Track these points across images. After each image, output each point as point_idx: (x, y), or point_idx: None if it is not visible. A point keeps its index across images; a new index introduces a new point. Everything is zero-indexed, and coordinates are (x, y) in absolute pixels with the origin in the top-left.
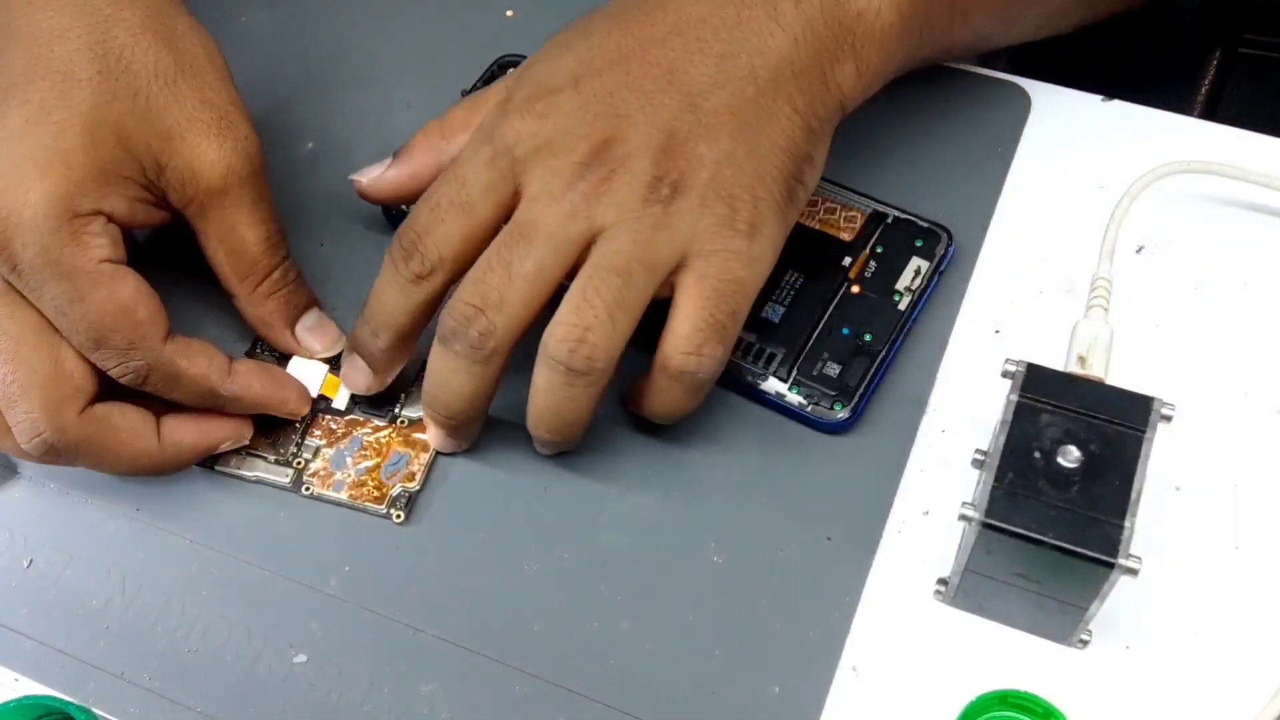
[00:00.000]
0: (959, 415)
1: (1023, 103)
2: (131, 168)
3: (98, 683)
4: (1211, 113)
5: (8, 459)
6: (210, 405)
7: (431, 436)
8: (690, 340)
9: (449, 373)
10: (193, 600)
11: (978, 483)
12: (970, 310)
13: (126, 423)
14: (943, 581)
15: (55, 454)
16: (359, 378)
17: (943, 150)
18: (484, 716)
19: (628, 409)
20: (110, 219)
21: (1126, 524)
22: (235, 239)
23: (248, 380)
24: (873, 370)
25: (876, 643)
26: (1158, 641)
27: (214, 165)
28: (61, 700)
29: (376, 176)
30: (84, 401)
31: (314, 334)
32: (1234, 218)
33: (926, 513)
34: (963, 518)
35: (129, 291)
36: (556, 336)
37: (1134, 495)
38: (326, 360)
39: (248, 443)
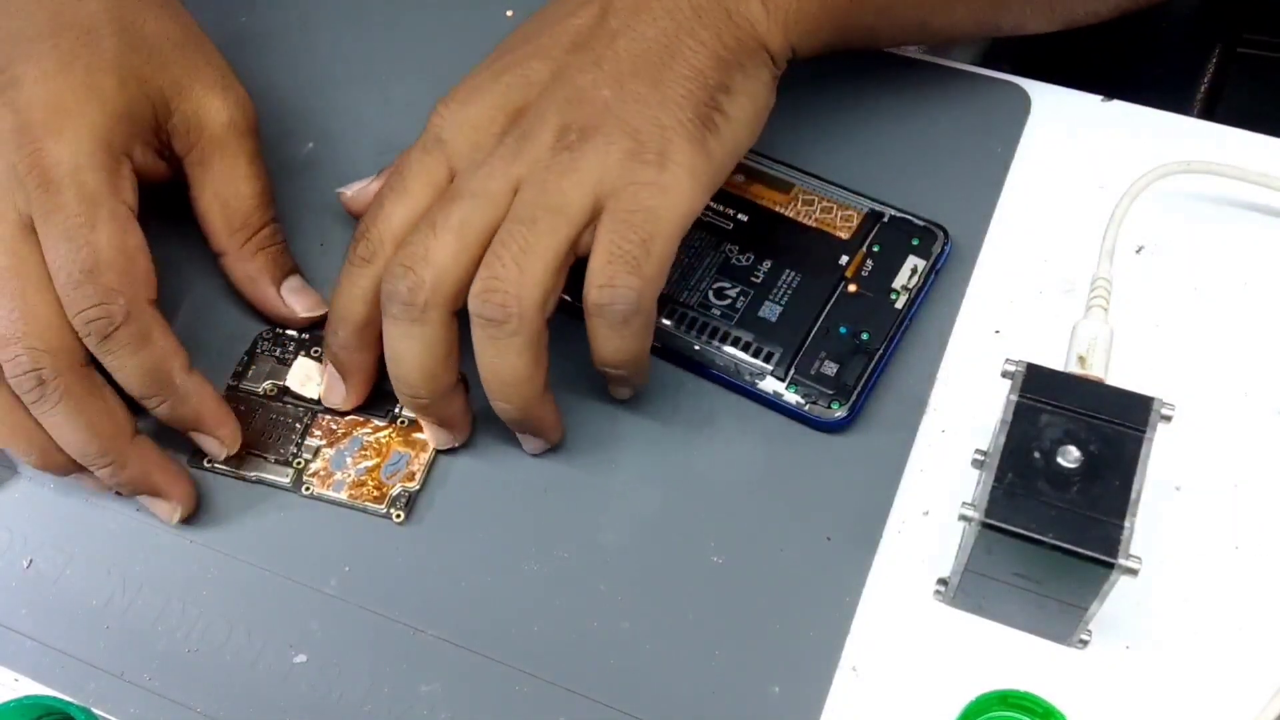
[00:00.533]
0: (959, 415)
1: (1022, 103)
2: (147, 112)
3: (98, 683)
4: (1211, 113)
5: (8, 458)
6: (156, 393)
7: (426, 432)
8: (602, 273)
9: (395, 340)
10: (193, 600)
11: (978, 483)
12: (970, 310)
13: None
14: (943, 581)
15: (42, 396)
16: (334, 388)
17: (943, 150)
18: (484, 717)
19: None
20: (133, 167)
21: (1126, 524)
22: (230, 191)
23: (201, 385)
24: (870, 369)
25: (876, 643)
26: (1158, 641)
27: (218, 115)
28: (61, 700)
29: (359, 189)
30: (81, 358)
31: (297, 295)
32: (1234, 218)
33: (926, 513)
34: (963, 518)
35: (136, 242)
36: (471, 292)
37: (1134, 495)
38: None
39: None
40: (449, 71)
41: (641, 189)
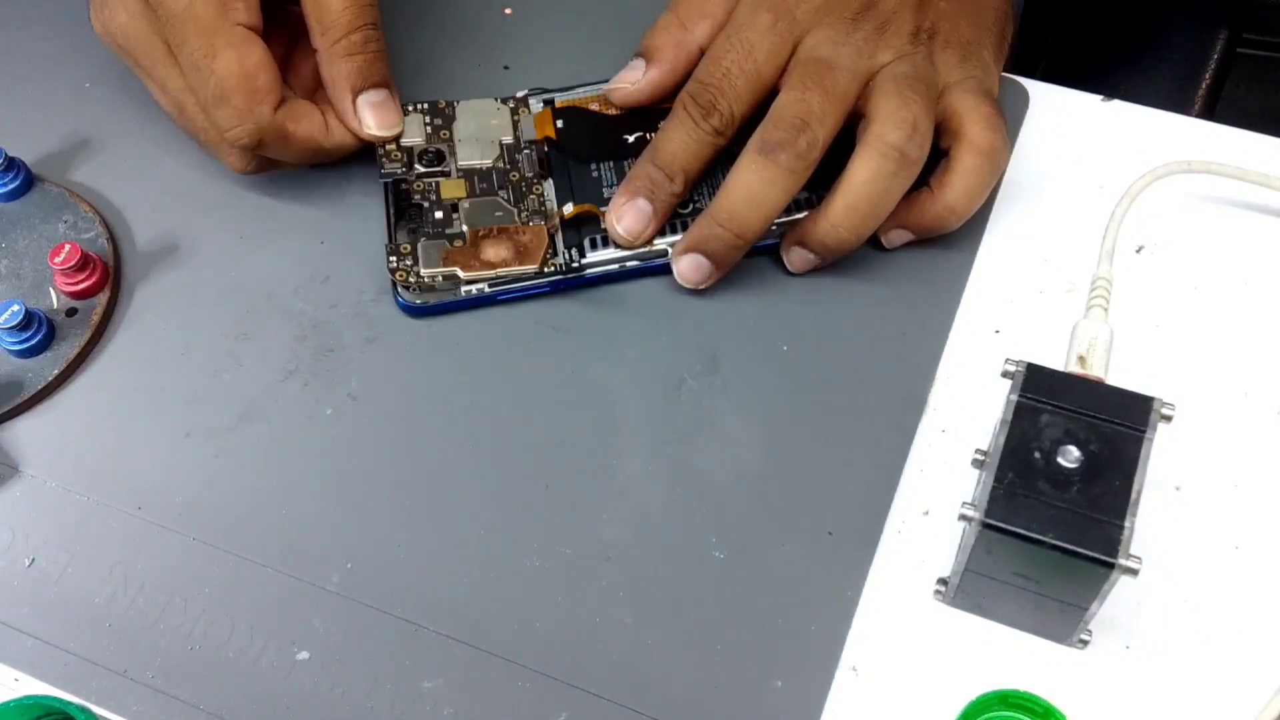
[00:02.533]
0: (959, 415)
1: (1021, 102)
2: None
3: (100, 681)
4: (1211, 113)
5: (8, 457)
6: (315, 160)
7: (692, 268)
8: (988, 122)
9: (766, 184)
10: (195, 598)
11: (978, 483)
12: (970, 310)
13: (304, 114)
14: (943, 581)
15: (261, 146)
16: (639, 220)
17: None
18: (487, 712)
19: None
20: None
21: (1126, 524)
22: None
23: (342, 131)
24: None
25: (876, 642)
26: (1158, 641)
27: None
28: (61, 700)
29: (636, 82)
30: (275, 99)
31: (375, 109)
32: (1234, 218)
33: (926, 513)
34: (963, 518)
35: (254, 58)
36: (891, 124)
37: (1134, 495)
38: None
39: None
40: (448, 71)
41: (978, 81)
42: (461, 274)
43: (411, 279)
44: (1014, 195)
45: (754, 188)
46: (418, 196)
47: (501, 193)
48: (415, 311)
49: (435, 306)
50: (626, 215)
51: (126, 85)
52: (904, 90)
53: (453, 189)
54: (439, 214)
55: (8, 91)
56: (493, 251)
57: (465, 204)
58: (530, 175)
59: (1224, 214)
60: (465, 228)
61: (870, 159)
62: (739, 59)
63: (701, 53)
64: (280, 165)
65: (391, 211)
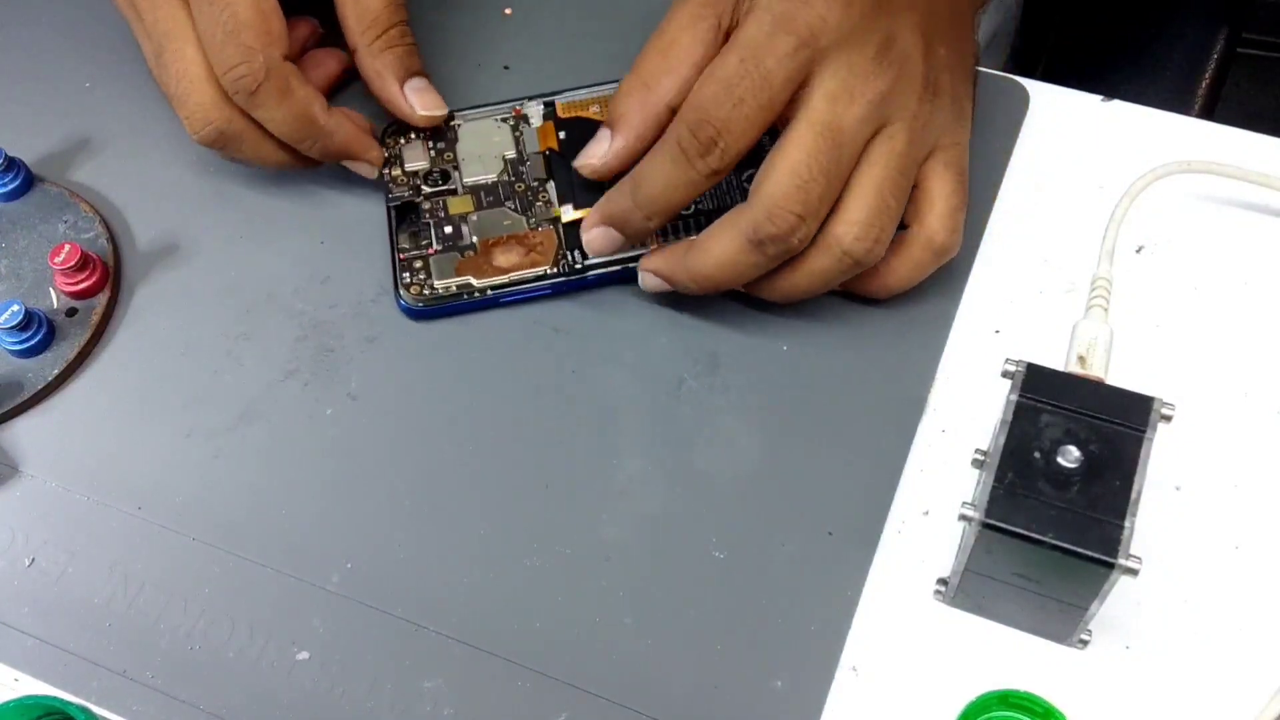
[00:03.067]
0: (959, 415)
1: (1021, 102)
2: None
3: (100, 681)
4: (1211, 113)
5: (8, 457)
6: (305, 137)
7: (601, 238)
8: (952, 218)
9: (745, 268)
10: (195, 598)
11: (978, 483)
12: (970, 310)
13: (308, 87)
14: (943, 581)
15: (253, 94)
16: (608, 245)
17: None
18: (486, 712)
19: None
20: None
21: (1126, 524)
22: None
23: (342, 120)
24: None
25: (876, 642)
26: (1158, 641)
27: None
28: (61, 700)
29: (605, 153)
30: (284, 49)
31: (419, 94)
32: (1234, 218)
33: (926, 513)
34: (963, 518)
35: (270, 4)
36: (855, 235)
37: (1134, 495)
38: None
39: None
40: (449, 71)
41: (961, 147)
42: (475, 282)
43: (425, 291)
44: (1014, 195)
45: (735, 269)
46: (426, 216)
47: (508, 203)
48: (416, 314)
49: (436, 309)
50: (597, 240)
51: (126, 85)
52: (885, 194)
53: (460, 205)
54: (448, 229)
55: (8, 91)
56: (504, 258)
57: (473, 217)
58: (535, 184)
59: (1224, 214)
60: (475, 238)
61: (823, 257)
62: (754, 88)
63: (672, 112)
64: (239, 153)
65: (394, 228)
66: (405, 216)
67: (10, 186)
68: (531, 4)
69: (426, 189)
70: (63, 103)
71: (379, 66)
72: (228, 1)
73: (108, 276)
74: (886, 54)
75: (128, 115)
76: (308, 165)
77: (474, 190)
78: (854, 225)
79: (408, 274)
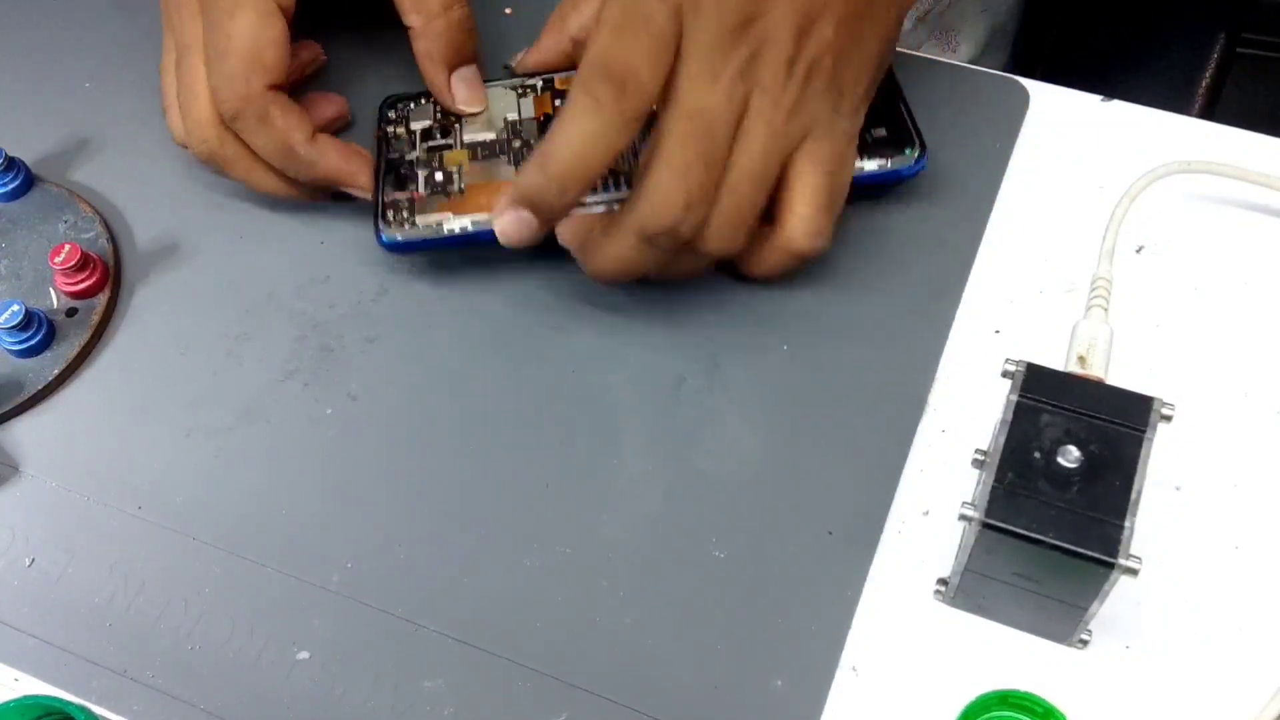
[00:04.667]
0: (959, 415)
1: (1021, 102)
2: None
3: (100, 681)
4: (1211, 113)
5: (8, 457)
6: (286, 164)
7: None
8: (814, 221)
9: (643, 263)
10: (195, 598)
11: (978, 483)
12: (970, 310)
13: (293, 111)
14: (943, 581)
15: (234, 119)
16: (520, 231)
17: (941, 149)
18: (487, 712)
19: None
20: None
21: (1126, 524)
22: None
23: (325, 148)
24: (906, 110)
25: (876, 642)
26: (1158, 641)
27: None
28: (61, 700)
29: (528, 52)
30: (274, 79)
31: (466, 84)
32: (1234, 218)
33: (926, 513)
34: (963, 518)
35: (270, 35)
36: (711, 231)
37: (1134, 495)
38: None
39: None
40: None
41: (840, 140)
42: (454, 216)
43: (406, 226)
44: (1014, 195)
45: (625, 262)
46: (419, 166)
47: (503, 157)
48: (397, 248)
49: (416, 243)
50: (509, 226)
51: (126, 85)
52: (742, 186)
53: (456, 157)
54: (439, 176)
55: (8, 91)
56: (486, 200)
57: (466, 165)
58: (532, 142)
59: (1224, 214)
60: (464, 184)
61: (690, 255)
62: (643, 27)
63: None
64: (234, 174)
65: (381, 172)
66: (395, 168)
67: (10, 186)
68: (531, 4)
69: (427, 145)
70: (63, 103)
71: (431, 49)
72: (225, 26)
73: (108, 276)
74: (746, 31)
75: (128, 115)
76: (305, 194)
77: (472, 146)
78: (709, 221)
79: (390, 212)
